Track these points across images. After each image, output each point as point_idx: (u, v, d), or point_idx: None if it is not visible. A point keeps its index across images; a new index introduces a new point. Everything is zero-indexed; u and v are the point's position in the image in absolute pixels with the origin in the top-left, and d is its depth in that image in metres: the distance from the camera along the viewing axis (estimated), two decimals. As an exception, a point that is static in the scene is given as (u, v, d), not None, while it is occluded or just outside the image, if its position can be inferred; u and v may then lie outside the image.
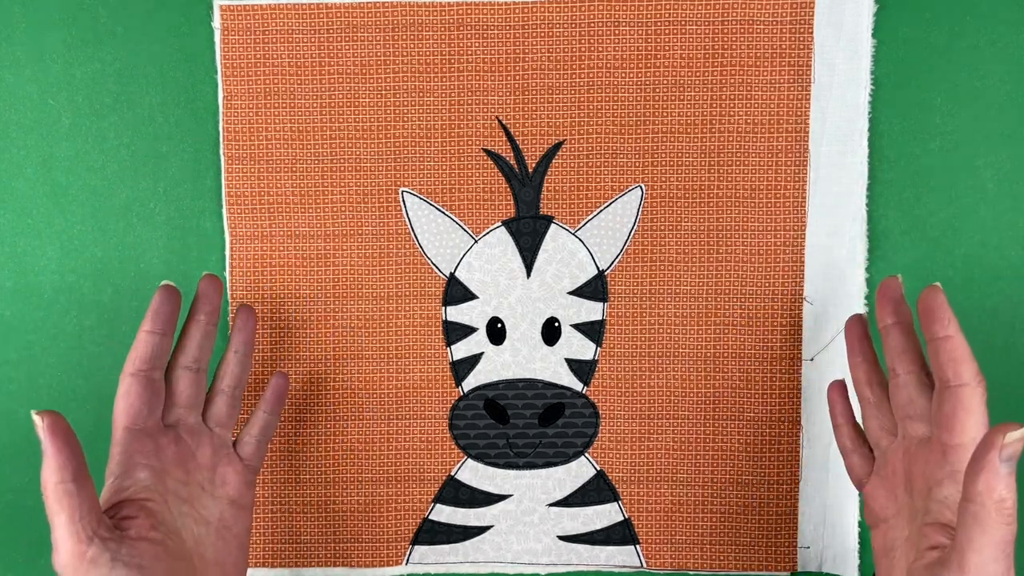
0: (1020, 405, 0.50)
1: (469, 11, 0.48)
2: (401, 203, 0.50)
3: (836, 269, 0.49)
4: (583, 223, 0.49)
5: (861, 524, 0.50)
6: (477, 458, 0.50)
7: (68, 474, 0.35)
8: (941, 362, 0.36)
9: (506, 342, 0.50)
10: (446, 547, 0.51)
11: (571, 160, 0.49)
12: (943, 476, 0.36)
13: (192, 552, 0.40)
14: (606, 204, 0.49)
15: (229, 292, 0.50)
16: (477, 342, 0.50)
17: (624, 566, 0.51)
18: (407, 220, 0.50)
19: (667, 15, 0.48)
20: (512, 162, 0.49)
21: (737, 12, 0.48)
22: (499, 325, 0.50)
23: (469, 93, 0.49)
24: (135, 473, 0.39)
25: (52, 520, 0.35)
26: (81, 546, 0.35)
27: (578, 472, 0.50)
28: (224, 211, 0.50)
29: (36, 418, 0.35)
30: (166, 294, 0.42)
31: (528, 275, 0.50)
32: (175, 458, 0.41)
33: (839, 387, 0.46)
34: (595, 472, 0.51)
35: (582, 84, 0.49)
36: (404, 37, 0.49)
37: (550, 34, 0.48)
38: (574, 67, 0.49)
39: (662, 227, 0.49)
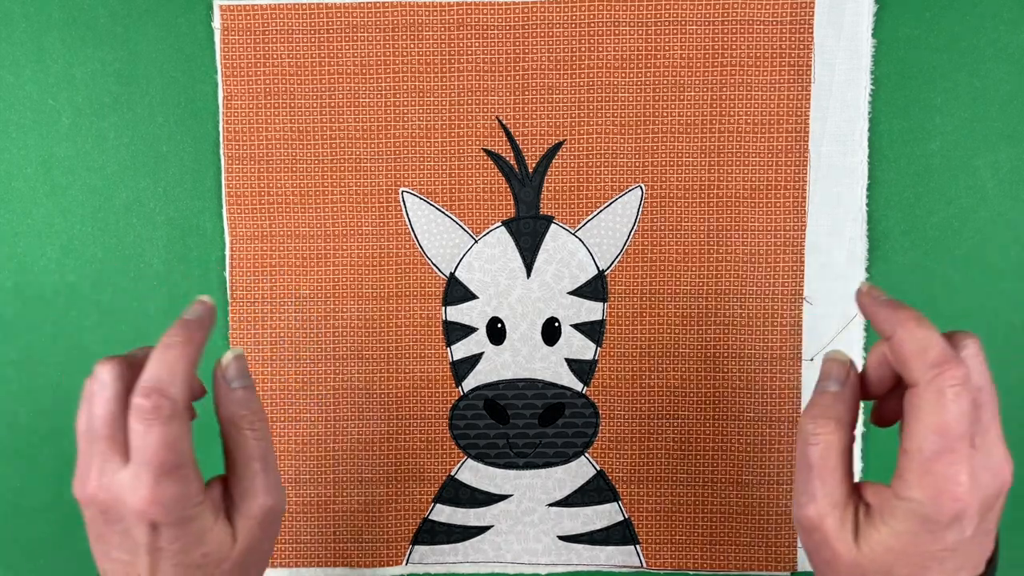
0: (1021, 405, 0.50)
1: (469, 11, 0.48)
2: (401, 203, 0.50)
3: (836, 269, 0.49)
4: (583, 223, 0.49)
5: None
6: (477, 458, 0.50)
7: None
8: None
9: (506, 342, 0.50)
10: (446, 547, 0.51)
11: (571, 160, 0.49)
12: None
13: None
14: (606, 204, 0.49)
15: (229, 292, 0.50)
16: (477, 342, 0.50)
17: (624, 566, 0.51)
18: (407, 220, 0.50)
19: (667, 15, 0.48)
20: (512, 162, 0.49)
21: (737, 12, 0.48)
22: (499, 325, 0.50)
23: (469, 93, 0.49)
24: None
25: (262, 467, 0.37)
26: (282, 501, 0.38)
27: (578, 472, 0.50)
28: (224, 211, 0.50)
29: (232, 363, 0.38)
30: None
31: (528, 275, 0.50)
32: None
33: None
34: (595, 472, 0.51)
35: (582, 84, 0.49)
36: (404, 37, 0.49)
37: (550, 34, 0.48)
38: (574, 67, 0.49)
39: (662, 227, 0.49)
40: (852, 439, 0.36)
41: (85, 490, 0.35)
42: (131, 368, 0.35)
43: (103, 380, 0.35)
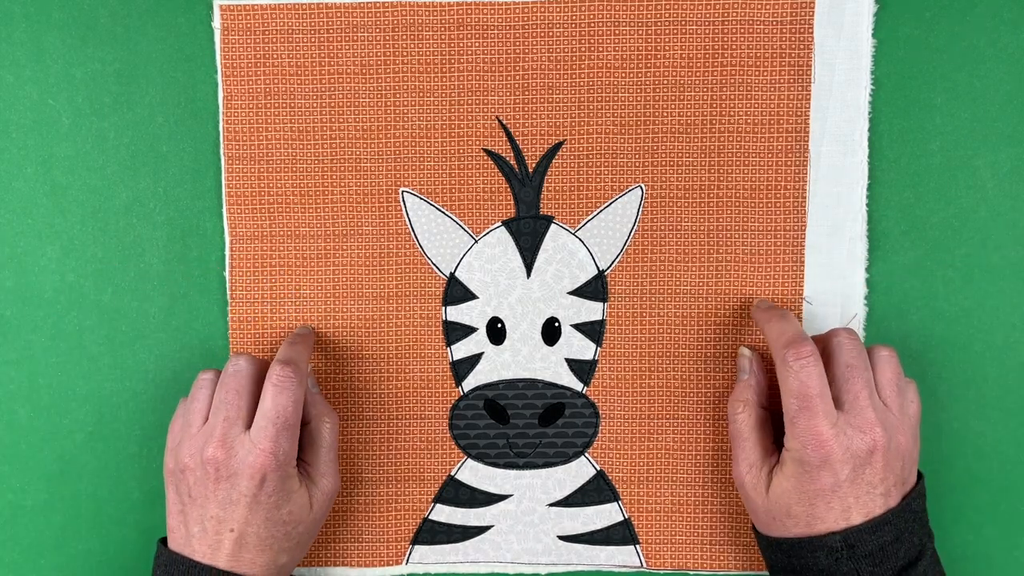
0: (1021, 404, 0.50)
1: (469, 11, 0.48)
2: (401, 203, 0.50)
3: (836, 269, 0.49)
4: (583, 223, 0.49)
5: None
6: (477, 458, 0.50)
7: None
8: None
9: (506, 342, 0.50)
10: (446, 547, 0.51)
11: (571, 160, 0.49)
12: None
13: None
14: (606, 204, 0.49)
15: (229, 292, 0.50)
16: (477, 342, 0.50)
17: (624, 566, 0.51)
18: (407, 220, 0.50)
19: (667, 15, 0.48)
20: (512, 162, 0.49)
21: (737, 12, 0.48)
22: (499, 325, 0.50)
23: (469, 93, 0.49)
24: None
25: (334, 456, 0.47)
26: (339, 486, 0.48)
27: (578, 472, 0.50)
28: (224, 211, 0.50)
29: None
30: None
31: (528, 275, 0.50)
32: None
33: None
34: (595, 472, 0.51)
35: (582, 84, 0.49)
36: (404, 37, 0.49)
37: (550, 34, 0.48)
38: (574, 67, 0.49)
39: (662, 227, 0.49)
40: (763, 414, 0.46)
41: (204, 453, 0.43)
42: (254, 363, 0.45)
43: (240, 364, 0.45)
